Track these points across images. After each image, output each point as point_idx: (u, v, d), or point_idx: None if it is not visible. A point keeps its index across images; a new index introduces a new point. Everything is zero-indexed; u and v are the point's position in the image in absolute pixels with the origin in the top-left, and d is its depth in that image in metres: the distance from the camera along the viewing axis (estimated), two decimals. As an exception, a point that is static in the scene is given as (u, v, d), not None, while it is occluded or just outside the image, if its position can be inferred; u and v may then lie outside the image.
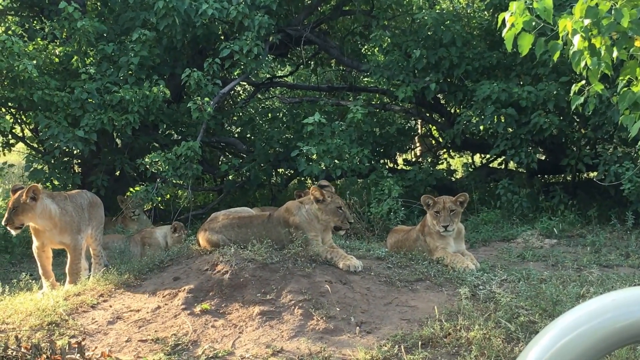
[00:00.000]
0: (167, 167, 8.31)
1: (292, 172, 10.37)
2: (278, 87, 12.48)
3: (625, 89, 4.22)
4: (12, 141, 9.97)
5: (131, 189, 9.46)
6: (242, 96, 12.26)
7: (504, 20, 4.14)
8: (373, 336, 4.32)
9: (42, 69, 8.85)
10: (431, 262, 5.65)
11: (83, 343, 4.13)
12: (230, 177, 10.78)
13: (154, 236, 7.71)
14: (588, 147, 9.13)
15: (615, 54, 3.96)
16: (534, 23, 3.99)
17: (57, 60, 9.18)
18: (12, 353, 4.03)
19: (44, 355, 3.98)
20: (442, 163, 11.63)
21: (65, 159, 9.24)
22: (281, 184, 10.77)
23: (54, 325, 4.63)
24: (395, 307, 4.77)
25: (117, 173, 9.77)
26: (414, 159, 12.26)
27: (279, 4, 9.43)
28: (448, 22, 9.27)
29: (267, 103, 12.62)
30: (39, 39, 9.28)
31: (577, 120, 9.02)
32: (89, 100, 8.53)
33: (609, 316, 1.52)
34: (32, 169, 8.83)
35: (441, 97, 10.48)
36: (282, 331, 4.43)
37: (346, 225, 5.59)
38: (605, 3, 3.82)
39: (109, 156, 9.47)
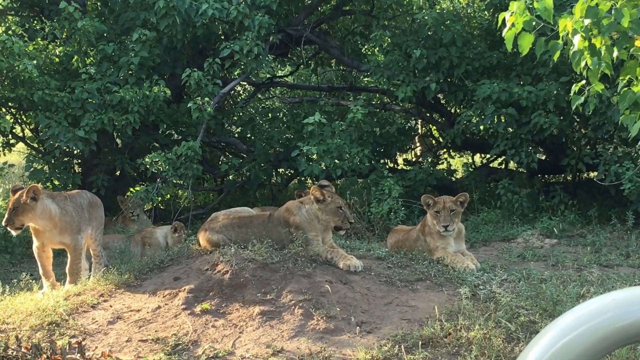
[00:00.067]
0: (167, 167, 8.31)
1: (293, 172, 10.37)
2: (278, 87, 12.48)
3: (626, 88, 4.22)
4: (12, 141, 9.96)
5: (131, 189, 9.45)
6: (243, 96, 12.26)
7: (504, 20, 4.14)
8: (373, 336, 4.32)
9: (43, 69, 8.86)
10: (431, 262, 5.65)
11: (83, 343, 4.13)
12: (230, 177, 10.79)
13: (155, 236, 7.71)
14: (588, 147, 9.13)
15: (615, 53, 3.95)
16: (534, 23, 3.99)
17: (57, 60, 9.18)
18: (12, 353, 4.03)
19: (44, 355, 3.98)
20: (443, 163, 11.63)
21: (66, 159, 9.24)
22: (281, 184, 10.77)
23: (54, 325, 4.63)
24: (396, 307, 4.77)
25: (118, 173, 9.77)
26: (414, 159, 12.27)
27: (279, 4, 9.43)
28: (448, 22, 9.27)
29: (267, 103, 12.62)
30: (39, 39, 9.28)
31: (578, 120, 9.02)
32: (89, 100, 8.54)
33: (609, 316, 1.52)
34: (32, 169, 8.83)
35: (441, 97, 10.48)
36: (282, 331, 4.43)
37: (346, 225, 5.59)
38: (605, 3, 3.82)
39: (109, 156, 9.47)
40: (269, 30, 9.11)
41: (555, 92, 8.33)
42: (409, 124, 11.78)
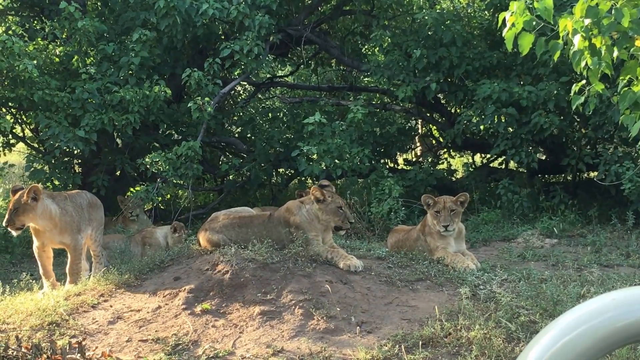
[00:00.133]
0: (167, 167, 8.31)
1: (293, 172, 10.37)
2: (278, 87, 12.49)
3: (626, 88, 4.22)
4: (12, 141, 9.96)
5: (131, 189, 9.45)
6: (243, 96, 12.27)
7: (504, 20, 4.13)
8: (373, 336, 4.32)
9: (43, 69, 8.86)
10: (432, 262, 5.65)
11: (83, 343, 4.13)
12: (230, 177, 10.79)
13: (155, 236, 7.71)
14: (588, 147, 9.13)
15: (615, 53, 3.95)
16: (534, 23, 3.99)
17: (57, 60, 9.18)
18: (12, 353, 4.03)
19: (45, 355, 3.98)
20: (443, 163, 11.63)
21: (66, 159, 9.24)
22: (282, 184, 10.77)
23: (54, 325, 4.63)
24: (396, 307, 4.77)
25: (118, 173, 9.78)
26: (414, 159, 12.27)
27: (280, 4, 9.43)
28: (448, 21, 9.27)
29: (267, 103, 12.63)
30: (39, 39, 9.28)
31: (578, 120, 9.02)
32: (90, 100, 8.54)
33: (609, 315, 1.52)
34: (32, 169, 8.83)
35: (441, 97, 10.48)
36: (282, 331, 4.43)
37: (347, 225, 5.59)
38: (605, 3, 3.82)
39: (110, 156, 9.48)
40: (269, 30, 9.11)
41: (555, 92, 8.34)
42: (409, 124, 11.78)
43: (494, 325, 4.23)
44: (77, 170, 9.66)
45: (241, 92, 12.42)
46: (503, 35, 4.15)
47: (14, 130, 9.66)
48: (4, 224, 5.78)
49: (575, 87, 4.50)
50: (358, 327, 4.43)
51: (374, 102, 10.78)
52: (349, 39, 11.10)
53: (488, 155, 10.82)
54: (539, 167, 8.93)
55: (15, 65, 8.00)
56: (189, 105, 8.60)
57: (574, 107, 4.53)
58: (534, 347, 1.56)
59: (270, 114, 11.24)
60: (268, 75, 11.63)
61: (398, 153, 11.58)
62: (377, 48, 10.52)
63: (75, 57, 8.93)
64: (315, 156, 8.48)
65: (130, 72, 8.73)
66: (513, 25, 4.05)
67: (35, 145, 10.09)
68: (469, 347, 4.01)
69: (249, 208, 6.85)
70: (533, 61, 8.63)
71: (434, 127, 11.94)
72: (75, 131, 8.27)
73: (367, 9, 10.60)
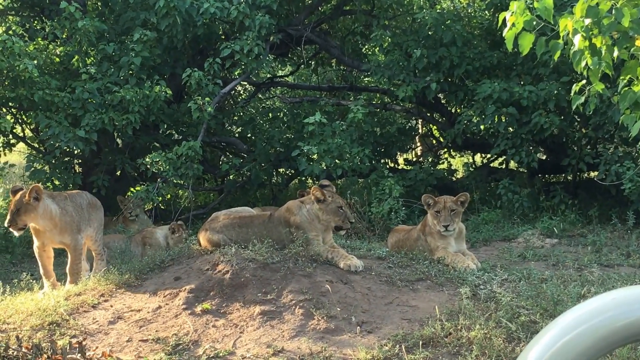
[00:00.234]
0: (167, 167, 8.31)
1: (293, 171, 10.37)
2: (279, 87, 12.48)
3: (626, 88, 4.22)
4: (12, 141, 9.97)
5: (132, 189, 9.46)
6: (243, 96, 12.27)
7: (504, 19, 4.13)
8: (374, 336, 4.32)
9: (43, 68, 8.85)
10: (432, 262, 5.65)
11: (84, 343, 4.13)
12: (231, 177, 10.79)
13: (155, 236, 7.70)
14: (589, 147, 9.12)
15: (616, 53, 3.95)
16: (534, 22, 3.99)
17: (57, 60, 9.18)
18: (13, 353, 4.03)
19: (45, 355, 3.98)
20: (443, 163, 11.62)
21: (66, 158, 9.24)
22: (282, 184, 10.77)
23: (54, 325, 4.63)
24: (396, 307, 4.77)
25: (118, 173, 9.78)
26: (414, 159, 12.26)
27: (280, 4, 9.43)
28: (449, 21, 9.27)
29: (267, 103, 12.63)
30: (39, 38, 9.28)
31: (578, 119, 9.02)
32: (90, 100, 8.54)
33: (610, 315, 1.52)
34: (32, 169, 8.83)
35: (442, 97, 10.48)
36: (283, 331, 4.43)
37: (347, 225, 5.59)
38: (606, 2, 3.82)
39: (110, 156, 9.48)
40: (270, 30, 9.11)
41: (555, 91, 8.33)
42: (409, 124, 11.78)
43: (495, 325, 4.23)
44: (77, 170, 9.66)
45: (241, 92, 12.42)
46: (503, 35, 4.15)
47: (14, 130, 9.66)
48: (6, 225, 5.78)
49: (575, 87, 4.50)
50: (358, 327, 4.43)
51: (374, 102, 10.78)
52: (349, 39, 11.10)
53: (488, 155, 10.82)
54: (539, 167, 8.93)
55: (15, 65, 8.00)
56: (189, 105, 8.60)
57: (574, 107, 4.53)
58: (534, 347, 1.56)
59: (270, 114, 11.23)
60: (268, 75, 11.63)
61: (398, 153, 11.57)
62: (378, 48, 10.51)
63: (76, 57, 8.93)
64: (315, 156, 8.48)
65: (130, 72, 8.73)
66: (513, 25, 4.05)
67: (36, 145, 10.09)
68: (470, 347, 4.01)
69: (249, 208, 6.85)
70: (533, 61, 8.63)
71: (434, 127, 11.93)
72: (76, 131, 8.27)
73: (367, 9, 10.60)
